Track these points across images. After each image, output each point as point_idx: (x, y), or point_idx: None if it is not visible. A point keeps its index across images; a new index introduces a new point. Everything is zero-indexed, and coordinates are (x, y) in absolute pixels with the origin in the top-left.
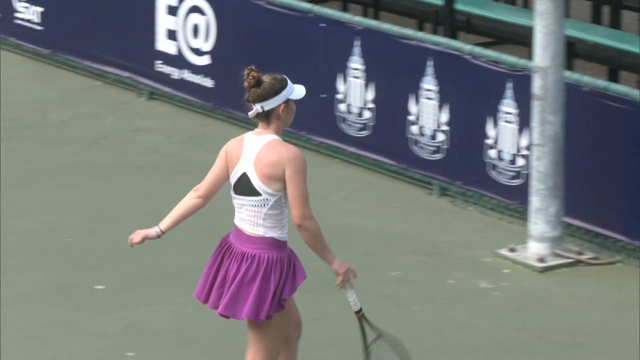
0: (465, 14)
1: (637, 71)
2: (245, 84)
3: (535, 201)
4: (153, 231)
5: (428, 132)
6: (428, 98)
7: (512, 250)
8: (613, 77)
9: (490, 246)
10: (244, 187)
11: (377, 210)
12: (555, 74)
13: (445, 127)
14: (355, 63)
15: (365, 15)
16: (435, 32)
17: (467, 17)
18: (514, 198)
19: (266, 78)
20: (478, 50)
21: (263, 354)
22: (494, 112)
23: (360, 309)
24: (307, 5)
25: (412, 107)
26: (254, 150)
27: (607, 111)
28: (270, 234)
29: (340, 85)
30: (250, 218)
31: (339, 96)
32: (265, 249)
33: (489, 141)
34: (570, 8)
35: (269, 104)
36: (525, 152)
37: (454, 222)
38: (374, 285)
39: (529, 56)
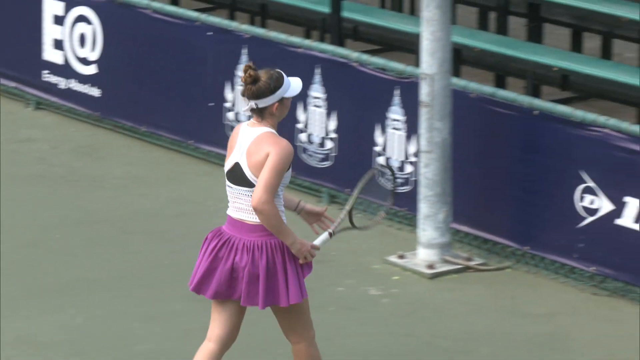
0: (353, 22)
1: (523, 77)
2: (242, 80)
3: (424, 208)
4: None
5: (316, 139)
6: (316, 106)
7: (401, 257)
8: (500, 83)
9: (379, 253)
10: (238, 177)
11: None
12: (442, 81)
13: (333, 135)
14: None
15: (252, 23)
16: (322, 39)
17: (354, 25)
18: (402, 205)
19: (263, 76)
20: (365, 57)
21: (306, 337)
22: (382, 120)
23: (330, 233)
24: (194, 14)
25: (301, 115)
26: (247, 141)
27: (494, 117)
28: None
29: (228, 94)
30: (248, 207)
31: (227, 104)
32: (270, 235)
33: (377, 148)
34: (457, 15)
35: (263, 102)
36: (413, 159)
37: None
38: None
39: (416, 63)
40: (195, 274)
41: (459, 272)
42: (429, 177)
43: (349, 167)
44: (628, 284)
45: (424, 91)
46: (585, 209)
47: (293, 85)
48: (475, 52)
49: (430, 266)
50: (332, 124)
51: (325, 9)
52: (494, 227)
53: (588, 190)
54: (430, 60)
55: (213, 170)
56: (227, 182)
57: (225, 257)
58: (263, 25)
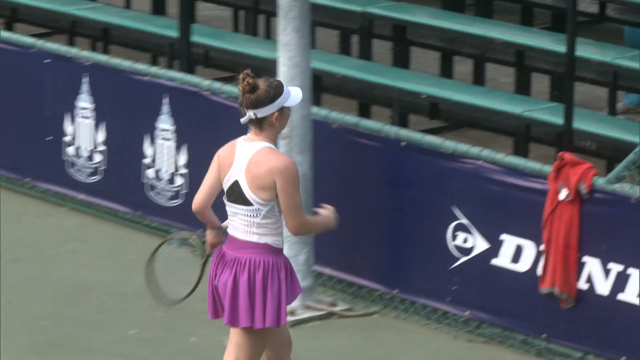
0: (203, 47)
1: (389, 105)
2: (240, 88)
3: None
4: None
5: (165, 175)
6: (164, 139)
7: None
8: (364, 113)
9: None
10: (237, 195)
11: (111, 262)
12: (301, 111)
13: (184, 170)
14: (84, 102)
15: (94, 49)
16: (170, 66)
17: (205, 50)
18: None
19: (262, 84)
20: (218, 86)
21: None
22: None
23: None
24: (30, 40)
25: (148, 149)
26: (245, 157)
27: (359, 150)
28: (264, 240)
29: (68, 127)
30: (242, 226)
31: (67, 138)
32: (260, 254)
33: None
34: (317, 38)
35: (262, 112)
36: None
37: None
38: (109, 345)
39: None
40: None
41: (323, 318)
42: None
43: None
44: (506, 330)
45: None
46: (458, 248)
47: (293, 94)
48: (337, 79)
49: (291, 312)
50: (183, 158)
51: (173, 33)
52: (360, 269)
53: (461, 228)
54: None
55: (52, 210)
56: (226, 200)
57: (219, 275)
58: (105, 52)
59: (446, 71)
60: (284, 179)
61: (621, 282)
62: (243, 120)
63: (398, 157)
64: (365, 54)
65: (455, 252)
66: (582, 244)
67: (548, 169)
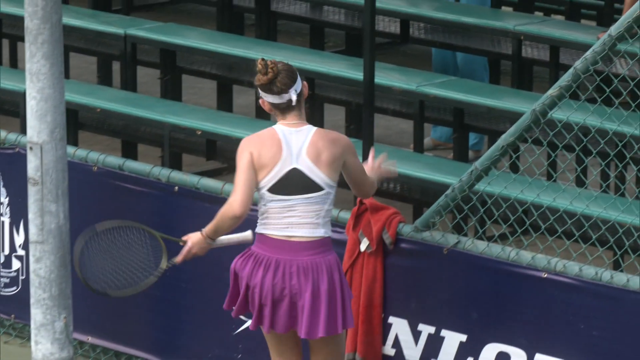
0: None
1: (159, 144)
2: (270, 75)
3: (37, 314)
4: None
5: None
6: None
7: None
8: (130, 153)
9: None
10: (295, 185)
11: None
12: (55, 151)
13: (21, 252)
14: None
15: None
16: None
17: None
18: (9, 311)
19: (276, 61)
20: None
21: None
22: None
23: None
24: None
25: None
26: (299, 143)
27: (124, 196)
28: (329, 232)
29: None
30: (308, 219)
31: None
32: (327, 252)
33: None
34: (72, 67)
35: (299, 85)
36: (21, 252)
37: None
38: None
39: (22, 129)
40: (260, 318)
41: None
42: (42, 275)
43: None
44: None
45: (32, 165)
46: None
47: None
48: (97, 114)
49: None
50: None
51: None
52: (129, 337)
53: None
54: (38, 126)
55: None
56: (272, 196)
57: (279, 284)
58: None
59: (225, 103)
60: (353, 152)
61: (433, 346)
62: (285, 103)
63: (170, 204)
64: (129, 83)
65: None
66: (387, 303)
67: (346, 215)
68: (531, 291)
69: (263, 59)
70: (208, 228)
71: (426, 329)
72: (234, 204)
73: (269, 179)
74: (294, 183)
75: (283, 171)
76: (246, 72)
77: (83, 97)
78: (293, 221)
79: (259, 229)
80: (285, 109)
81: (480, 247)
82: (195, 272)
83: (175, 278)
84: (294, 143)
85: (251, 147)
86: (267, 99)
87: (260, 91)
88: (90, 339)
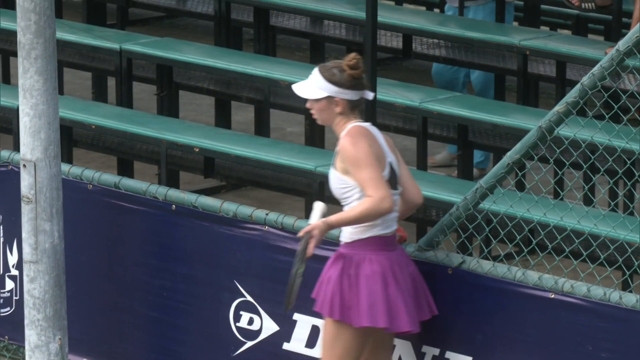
0: None
1: (156, 161)
2: (362, 69)
3: (32, 336)
4: None
5: None
6: None
7: None
8: (125, 170)
9: None
10: (394, 180)
11: None
12: (49, 169)
13: (15, 272)
14: None
15: None
16: None
17: None
18: (2, 332)
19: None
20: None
21: None
22: None
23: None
24: None
25: None
26: (383, 140)
27: (120, 215)
28: None
29: None
30: (395, 214)
31: None
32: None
33: None
34: (66, 82)
35: None
36: (15, 272)
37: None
38: None
39: (15, 146)
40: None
41: None
42: (36, 296)
43: None
44: None
45: (26, 183)
46: (243, 330)
47: None
48: (92, 130)
49: None
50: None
51: None
52: (125, 358)
53: (245, 306)
54: (32, 143)
55: None
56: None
57: (403, 278)
58: None
59: (223, 120)
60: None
61: None
62: (360, 102)
63: (167, 223)
64: (125, 99)
65: (240, 336)
66: None
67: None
68: (538, 312)
69: (356, 54)
70: (335, 220)
71: (430, 351)
72: (386, 201)
73: (385, 174)
74: (393, 178)
75: (388, 167)
76: (244, 88)
77: (77, 114)
78: (393, 216)
79: (365, 234)
80: (359, 106)
81: (486, 267)
82: (191, 293)
83: (172, 299)
84: (382, 139)
85: (369, 141)
86: (348, 96)
87: (340, 89)
88: None
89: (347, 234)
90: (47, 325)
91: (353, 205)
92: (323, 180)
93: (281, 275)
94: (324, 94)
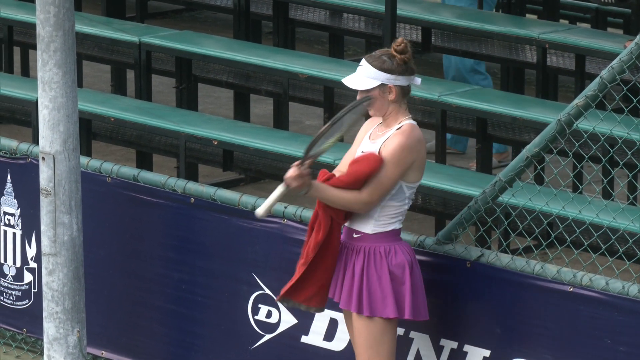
0: None
1: (175, 154)
2: (410, 53)
3: (50, 328)
4: None
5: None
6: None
7: None
8: (144, 163)
9: None
10: None
11: None
12: (68, 162)
13: (33, 265)
14: None
15: None
16: None
17: None
18: (21, 325)
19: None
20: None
21: None
22: None
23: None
24: None
25: None
26: None
27: (139, 207)
28: None
29: None
30: None
31: None
32: None
33: None
34: (85, 75)
35: None
36: (33, 265)
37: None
38: None
39: (34, 139)
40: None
41: None
42: (55, 288)
43: None
44: None
45: (45, 175)
46: (261, 323)
47: None
48: (111, 123)
49: None
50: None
51: None
52: (143, 351)
53: (263, 299)
54: (50, 135)
55: None
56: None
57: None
58: None
59: (242, 113)
60: None
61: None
62: (409, 88)
63: (186, 216)
64: (144, 92)
65: (258, 329)
66: None
67: None
68: (556, 305)
69: (403, 38)
70: (321, 188)
71: (448, 344)
72: (367, 207)
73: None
74: None
75: None
76: (263, 81)
77: (96, 106)
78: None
79: (390, 226)
80: (409, 92)
81: (504, 260)
82: (210, 286)
83: (190, 292)
84: None
85: (420, 151)
86: (400, 82)
87: (393, 76)
88: (104, 354)
89: (370, 227)
90: (65, 318)
91: (389, 197)
92: None
93: None
94: (376, 83)
